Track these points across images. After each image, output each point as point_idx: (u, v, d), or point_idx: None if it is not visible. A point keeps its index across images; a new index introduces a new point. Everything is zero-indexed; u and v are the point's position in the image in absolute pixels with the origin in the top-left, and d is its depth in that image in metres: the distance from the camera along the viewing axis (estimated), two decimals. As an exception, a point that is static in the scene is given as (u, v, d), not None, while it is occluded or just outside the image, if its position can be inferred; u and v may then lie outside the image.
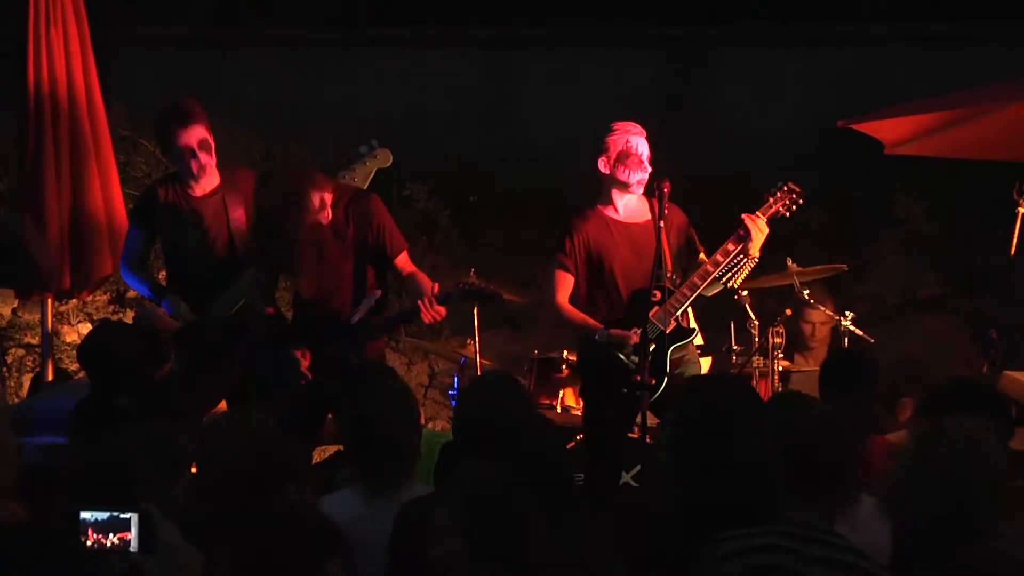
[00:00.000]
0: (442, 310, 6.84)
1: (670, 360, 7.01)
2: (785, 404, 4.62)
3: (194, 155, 7.11)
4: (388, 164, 7.35)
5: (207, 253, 7.29)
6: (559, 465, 4.67)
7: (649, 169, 7.15)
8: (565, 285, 7.24)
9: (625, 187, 7.14)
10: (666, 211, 7.06)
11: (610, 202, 7.21)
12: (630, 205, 7.22)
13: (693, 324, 7.22)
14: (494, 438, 4.72)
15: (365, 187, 7.26)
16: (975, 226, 9.66)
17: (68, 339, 9.91)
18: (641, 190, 7.18)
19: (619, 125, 7.21)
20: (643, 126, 7.28)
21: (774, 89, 10.51)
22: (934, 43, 10.51)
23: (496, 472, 4.18)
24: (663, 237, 7.00)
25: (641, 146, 7.15)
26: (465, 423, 5.10)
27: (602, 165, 7.20)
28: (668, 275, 7.03)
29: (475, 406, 5.11)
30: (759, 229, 6.99)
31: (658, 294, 6.92)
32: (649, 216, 7.20)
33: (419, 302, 6.82)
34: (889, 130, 8.33)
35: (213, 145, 7.20)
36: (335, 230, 7.03)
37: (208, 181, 7.23)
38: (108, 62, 9.73)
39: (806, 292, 8.11)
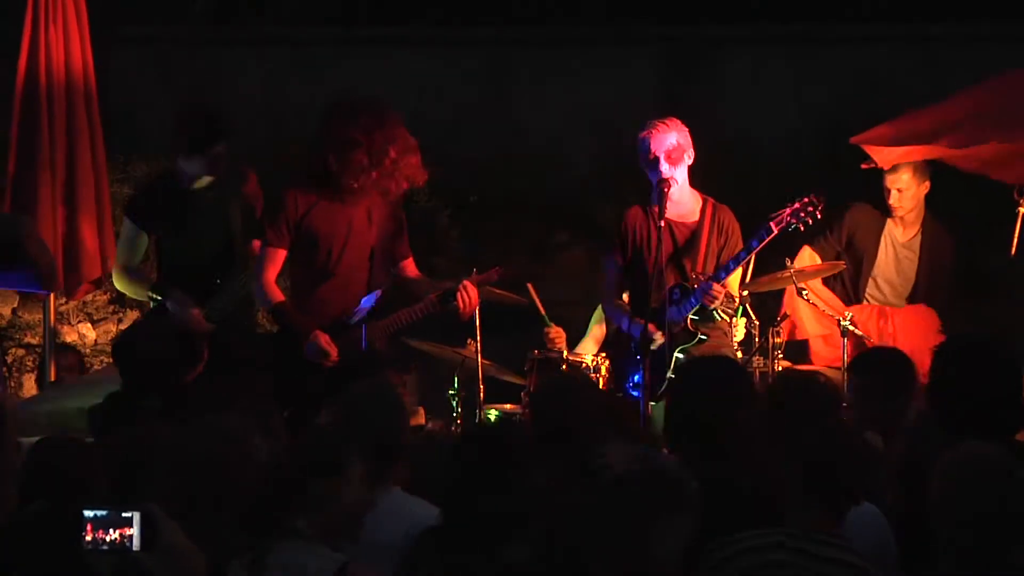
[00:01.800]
0: (476, 297, 6.88)
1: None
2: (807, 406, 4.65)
3: (221, 160, 7.21)
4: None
5: (204, 247, 7.30)
6: None
7: (672, 164, 7.12)
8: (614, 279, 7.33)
9: (656, 186, 7.17)
10: (666, 212, 7.09)
11: (656, 201, 7.23)
12: (681, 203, 7.22)
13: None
14: None
15: None
16: (975, 226, 9.65)
17: (68, 339, 9.90)
18: (675, 185, 7.15)
19: (648, 125, 7.21)
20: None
21: (774, 89, 10.50)
22: (934, 43, 10.50)
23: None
24: (704, 236, 7.07)
25: (656, 144, 7.13)
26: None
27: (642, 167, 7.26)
28: (698, 276, 7.06)
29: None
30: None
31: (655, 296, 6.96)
32: (698, 217, 7.22)
33: (459, 286, 6.85)
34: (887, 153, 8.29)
35: None
36: (368, 213, 7.04)
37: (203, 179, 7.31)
38: (108, 62, 9.73)
39: (805, 293, 8.10)
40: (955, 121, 7.93)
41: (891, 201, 8.40)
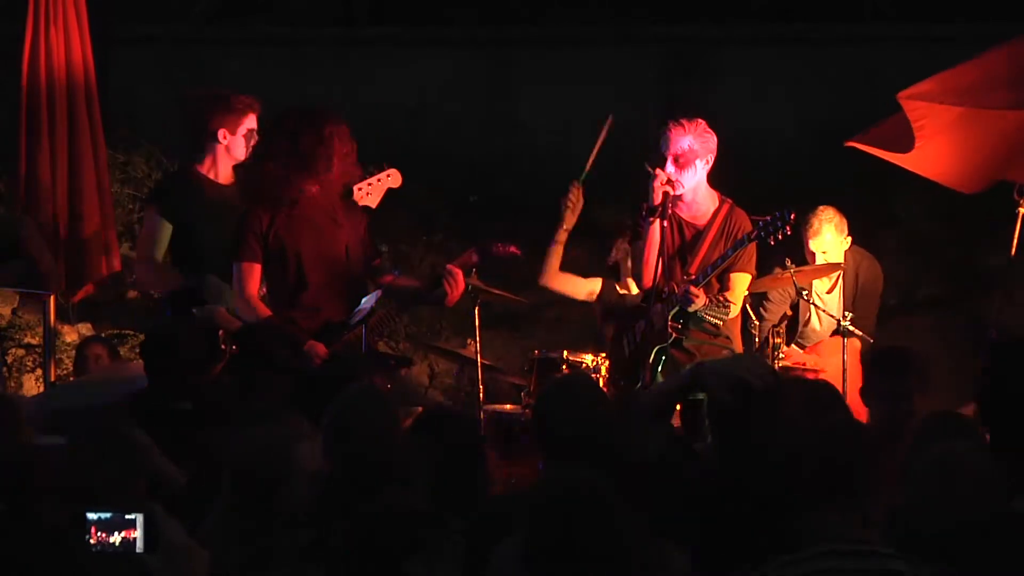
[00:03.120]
0: (462, 282, 6.86)
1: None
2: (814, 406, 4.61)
3: (252, 138, 7.23)
4: (398, 185, 7.44)
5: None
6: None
7: (679, 168, 7.11)
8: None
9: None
10: (669, 211, 7.10)
11: (680, 200, 7.23)
12: (693, 204, 7.22)
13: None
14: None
15: (375, 206, 7.31)
16: (975, 226, 9.67)
17: (68, 339, 9.91)
18: (680, 189, 7.15)
19: (671, 121, 7.20)
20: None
21: (774, 89, 10.52)
22: (934, 43, 10.51)
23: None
24: (708, 240, 7.07)
25: (668, 144, 7.12)
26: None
27: None
28: (685, 278, 7.07)
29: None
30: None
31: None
32: (708, 219, 7.21)
33: (444, 271, 6.85)
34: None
35: None
36: (332, 215, 7.00)
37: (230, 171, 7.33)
38: (108, 62, 9.74)
39: (804, 292, 8.10)
40: (1003, 78, 7.73)
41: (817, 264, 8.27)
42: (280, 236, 6.96)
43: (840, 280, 8.39)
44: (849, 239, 8.31)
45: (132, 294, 10.10)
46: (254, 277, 6.99)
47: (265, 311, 6.99)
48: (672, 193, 7.13)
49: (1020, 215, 8.10)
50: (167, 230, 7.36)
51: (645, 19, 10.89)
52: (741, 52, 10.71)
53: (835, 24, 10.76)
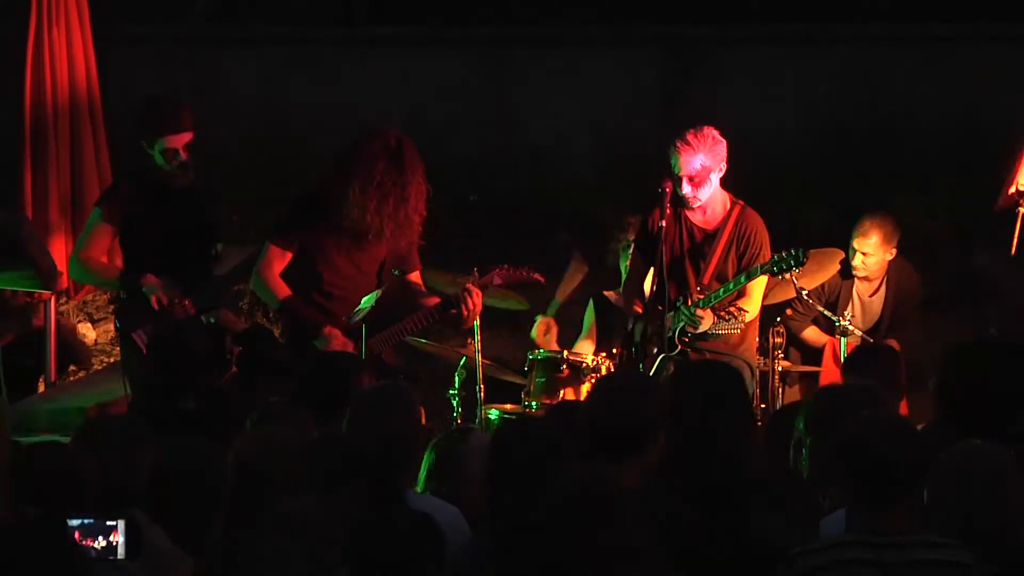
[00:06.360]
0: (480, 303, 6.89)
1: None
2: (844, 404, 4.64)
3: (177, 155, 7.17)
4: None
5: (179, 244, 7.27)
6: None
7: (695, 187, 7.07)
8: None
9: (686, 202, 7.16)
10: (667, 211, 7.08)
11: (691, 207, 7.21)
12: (707, 208, 7.20)
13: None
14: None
15: None
16: (975, 226, 9.65)
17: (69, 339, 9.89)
18: (698, 203, 7.14)
19: (678, 138, 7.14)
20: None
21: (774, 89, 10.50)
22: (934, 43, 10.50)
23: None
24: (720, 244, 7.05)
25: (681, 165, 7.08)
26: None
27: None
28: (694, 293, 7.04)
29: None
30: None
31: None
32: (719, 223, 7.18)
33: (462, 291, 6.86)
34: None
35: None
36: (377, 231, 7.02)
37: (185, 178, 7.28)
38: (108, 62, 9.74)
39: (805, 292, 8.09)
40: None
41: (855, 262, 8.26)
42: (322, 240, 7.00)
43: (883, 286, 8.37)
44: (894, 251, 8.28)
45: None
46: (283, 261, 7.07)
47: (286, 291, 7.03)
48: (667, 192, 7.12)
49: (1020, 215, 8.10)
50: (108, 227, 7.34)
51: (645, 19, 10.87)
52: (741, 52, 10.70)
53: (835, 24, 10.74)
